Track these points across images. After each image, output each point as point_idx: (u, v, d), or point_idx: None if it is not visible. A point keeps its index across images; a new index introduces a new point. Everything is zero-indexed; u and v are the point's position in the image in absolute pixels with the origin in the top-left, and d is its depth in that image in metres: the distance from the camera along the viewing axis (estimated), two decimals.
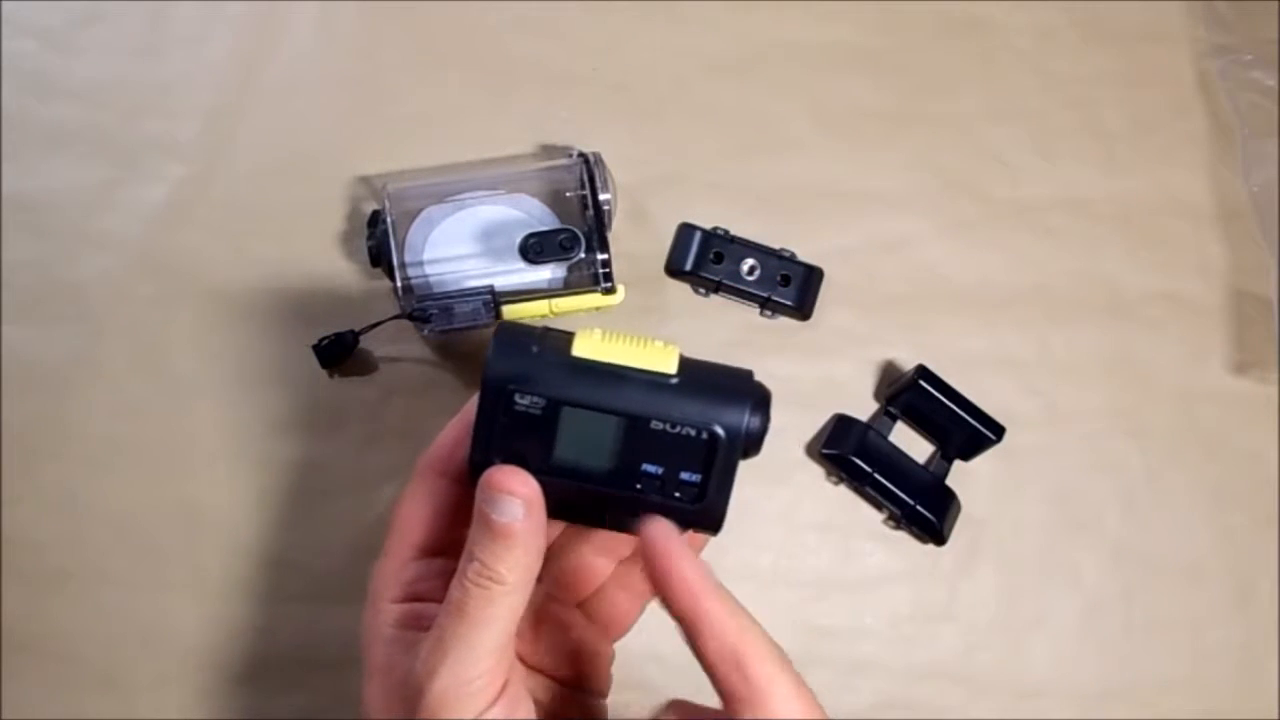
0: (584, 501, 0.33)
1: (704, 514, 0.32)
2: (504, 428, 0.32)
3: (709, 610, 0.30)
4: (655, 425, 0.32)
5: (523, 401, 0.32)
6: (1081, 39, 0.56)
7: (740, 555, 0.49)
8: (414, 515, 0.35)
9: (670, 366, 0.32)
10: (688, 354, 0.33)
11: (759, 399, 0.33)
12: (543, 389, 0.32)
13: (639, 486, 0.32)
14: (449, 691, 0.30)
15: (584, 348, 0.32)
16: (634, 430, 0.32)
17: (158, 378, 0.49)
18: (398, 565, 0.35)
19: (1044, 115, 0.55)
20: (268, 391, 0.49)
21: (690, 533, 0.33)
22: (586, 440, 0.32)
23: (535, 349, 0.32)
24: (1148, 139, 0.55)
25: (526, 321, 0.41)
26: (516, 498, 0.31)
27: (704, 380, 0.33)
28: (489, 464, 0.32)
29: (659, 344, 0.33)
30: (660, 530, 0.32)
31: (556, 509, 0.33)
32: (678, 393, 0.32)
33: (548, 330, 0.33)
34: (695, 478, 0.32)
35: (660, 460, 0.32)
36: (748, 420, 0.32)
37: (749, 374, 0.33)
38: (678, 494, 0.32)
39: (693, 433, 0.32)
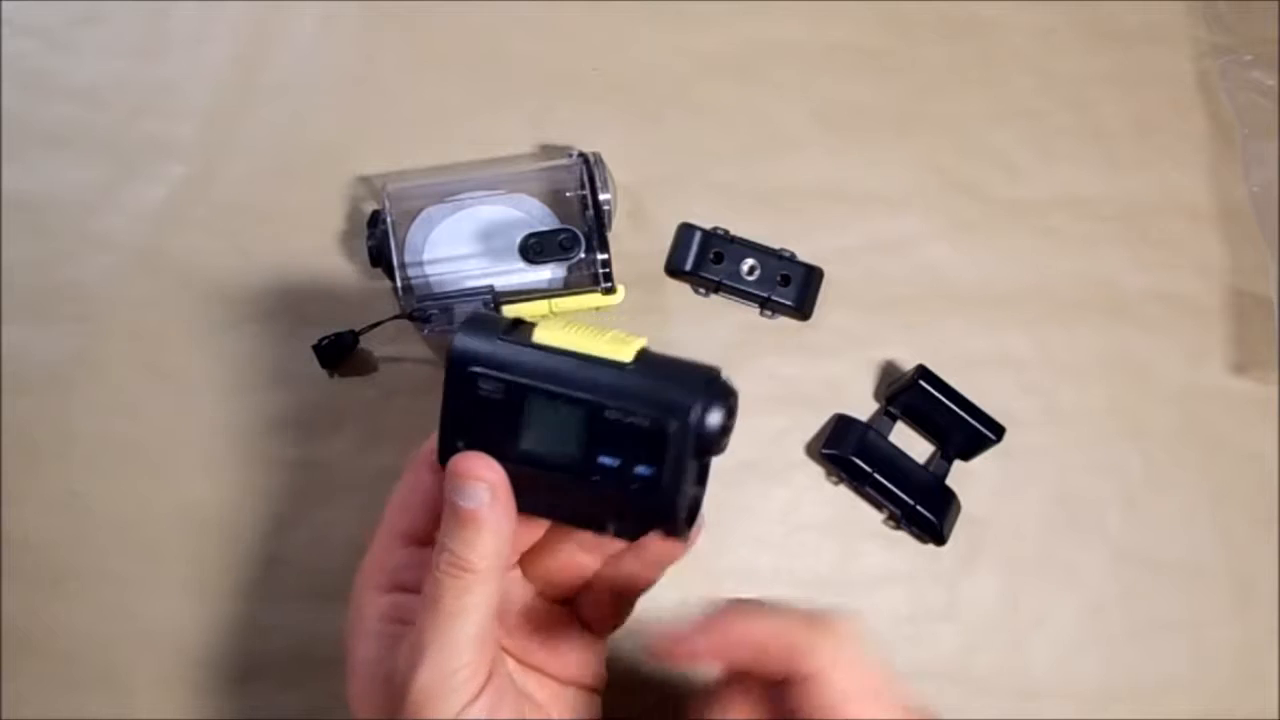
0: (555, 495, 0.33)
1: (659, 512, 0.32)
2: (469, 414, 0.32)
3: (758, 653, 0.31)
4: (610, 414, 0.32)
5: (485, 386, 0.32)
6: (1081, 39, 0.56)
7: (740, 555, 0.49)
8: (402, 505, 0.36)
9: (626, 355, 0.32)
10: (674, 352, 0.33)
11: (715, 393, 0.32)
12: (500, 372, 0.32)
13: (597, 478, 0.32)
14: (432, 687, 0.30)
15: (544, 335, 0.33)
16: (593, 419, 0.32)
17: (158, 378, 0.49)
18: (384, 553, 0.35)
19: (1044, 115, 0.55)
20: (268, 391, 0.49)
21: (660, 541, 0.33)
22: (550, 428, 0.32)
23: (499, 337, 0.33)
24: (1148, 139, 0.55)
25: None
26: (482, 482, 0.31)
27: (658, 370, 0.32)
28: (456, 451, 0.32)
29: (622, 334, 0.33)
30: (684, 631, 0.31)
31: (533, 504, 0.33)
32: (630, 380, 0.32)
33: (517, 321, 0.34)
34: (649, 471, 0.32)
35: (617, 452, 0.32)
36: (699, 413, 0.31)
37: (712, 369, 0.33)
38: (633, 487, 0.32)
39: (645, 423, 0.31)
